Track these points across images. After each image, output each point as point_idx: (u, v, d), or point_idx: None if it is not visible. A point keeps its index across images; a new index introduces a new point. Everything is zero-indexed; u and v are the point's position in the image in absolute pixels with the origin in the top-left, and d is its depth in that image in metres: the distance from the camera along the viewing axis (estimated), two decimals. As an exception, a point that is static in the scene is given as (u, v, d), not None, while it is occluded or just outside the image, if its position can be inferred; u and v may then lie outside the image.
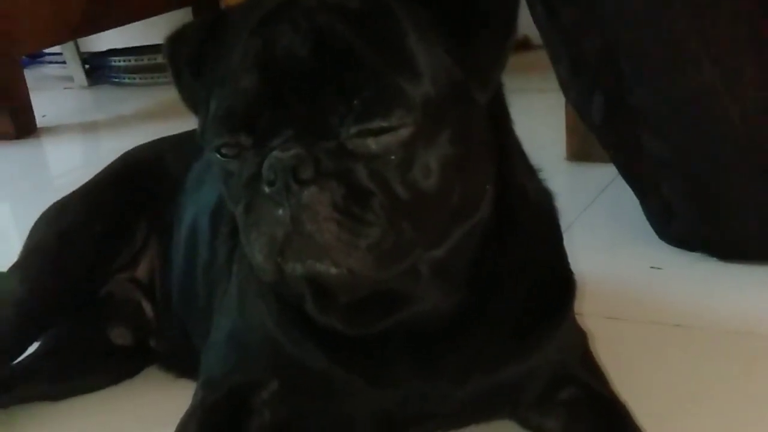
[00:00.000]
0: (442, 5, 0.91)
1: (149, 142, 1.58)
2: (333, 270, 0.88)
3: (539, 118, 2.26)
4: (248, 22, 0.93)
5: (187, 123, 1.10)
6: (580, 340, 1.17)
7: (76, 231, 1.41)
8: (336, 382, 1.04)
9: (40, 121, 3.17)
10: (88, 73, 3.82)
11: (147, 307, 1.46)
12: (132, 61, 3.72)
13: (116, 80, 3.79)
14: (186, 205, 1.40)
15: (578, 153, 2.18)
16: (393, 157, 0.87)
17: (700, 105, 1.54)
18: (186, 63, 1.01)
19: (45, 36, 3.31)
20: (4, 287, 1.39)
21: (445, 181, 0.90)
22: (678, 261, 1.66)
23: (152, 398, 1.38)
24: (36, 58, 4.14)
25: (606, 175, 2.00)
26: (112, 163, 1.54)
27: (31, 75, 3.53)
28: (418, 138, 0.87)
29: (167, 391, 1.38)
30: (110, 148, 1.87)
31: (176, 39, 1.04)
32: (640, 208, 1.77)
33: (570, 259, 1.13)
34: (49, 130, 3.15)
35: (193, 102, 1.01)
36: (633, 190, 1.76)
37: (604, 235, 1.80)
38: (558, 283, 1.10)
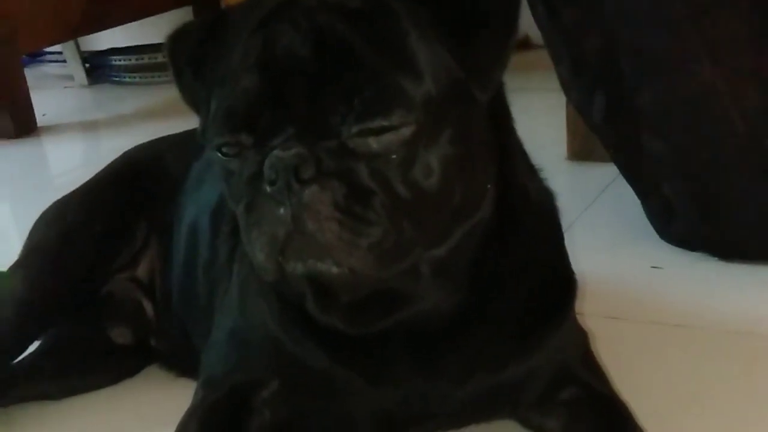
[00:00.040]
0: (443, 5, 0.91)
1: (149, 142, 1.58)
2: (334, 269, 0.88)
3: (540, 118, 2.26)
4: (249, 21, 0.93)
5: (188, 122, 1.10)
6: (581, 339, 1.17)
7: (77, 230, 1.41)
8: (337, 382, 1.04)
9: (40, 120, 3.17)
10: (89, 72, 3.82)
11: (147, 307, 1.46)
12: (132, 60, 3.72)
13: (117, 79, 3.79)
14: (186, 205, 1.40)
15: (579, 153, 2.18)
16: (394, 157, 0.87)
17: (700, 105, 1.55)
18: (187, 62, 1.01)
19: (45, 35, 3.31)
20: (4, 287, 1.39)
21: (446, 181, 0.90)
22: (679, 261, 1.66)
23: (153, 397, 1.38)
24: (36, 56, 4.13)
25: (607, 174, 2.00)
26: (112, 162, 1.54)
27: (31, 74, 3.53)
28: (419, 137, 0.87)
29: (168, 391, 1.38)
30: (110, 148, 1.87)
31: (177, 38, 1.04)
32: (640, 208, 1.77)
33: (571, 259, 1.13)
34: (50, 129, 3.14)
35: (194, 101, 1.01)
36: (634, 190, 1.76)
37: (605, 234, 1.80)
38: (559, 283, 1.10)
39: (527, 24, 1.52)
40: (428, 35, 0.90)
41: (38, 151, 2.99)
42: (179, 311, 1.39)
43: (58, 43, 3.62)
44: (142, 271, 1.46)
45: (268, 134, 0.88)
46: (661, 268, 1.65)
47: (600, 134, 1.79)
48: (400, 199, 0.88)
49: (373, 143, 0.86)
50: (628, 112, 1.64)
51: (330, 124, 0.87)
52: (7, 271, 1.40)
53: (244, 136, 0.89)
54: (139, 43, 3.72)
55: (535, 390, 1.10)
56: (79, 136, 3.16)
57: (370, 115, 0.86)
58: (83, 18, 3.34)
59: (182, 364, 1.39)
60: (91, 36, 3.74)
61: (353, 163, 0.86)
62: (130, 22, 3.59)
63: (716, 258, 1.64)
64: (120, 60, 3.76)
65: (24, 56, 3.50)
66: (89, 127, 3.27)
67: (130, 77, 3.74)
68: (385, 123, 0.86)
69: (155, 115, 3.11)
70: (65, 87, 3.82)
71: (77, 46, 3.78)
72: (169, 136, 1.58)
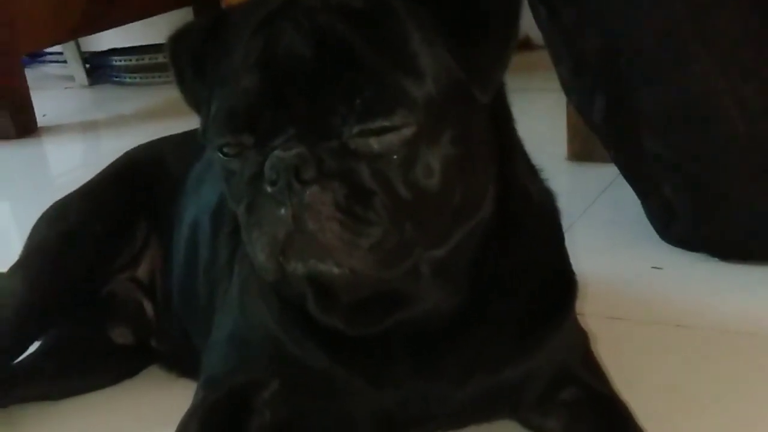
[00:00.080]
0: (444, 5, 0.91)
1: (150, 142, 1.58)
2: (335, 270, 0.88)
3: (540, 118, 2.27)
4: (250, 21, 0.93)
5: (188, 122, 1.10)
6: (581, 340, 1.17)
7: (77, 231, 1.41)
8: (337, 382, 1.04)
9: (40, 121, 3.17)
10: (89, 73, 3.82)
11: (148, 307, 1.46)
12: (133, 60, 3.72)
13: (117, 80, 3.79)
14: (187, 205, 1.40)
15: (579, 153, 2.18)
16: (395, 157, 0.87)
17: (700, 105, 1.55)
18: (188, 62, 1.01)
19: (45, 35, 3.31)
20: (4, 287, 1.38)
21: (447, 181, 0.90)
22: (679, 261, 1.66)
23: (153, 398, 1.38)
24: (37, 57, 4.14)
25: (607, 175, 2.00)
26: (112, 162, 1.54)
27: (31, 74, 3.53)
28: (420, 138, 0.87)
29: (168, 391, 1.38)
30: (111, 148, 1.87)
31: (178, 38, 1.04)
32: (641, 209, 1.77)
33: (571, 260, 1.13)
34: (50, 130, 3.14)
35: (195, 101, 1.01)
36: (634, 190, 1.76)
37: (605, 235, 1.80)
38: (559, 284, 1.10)
39: (528, 24, 1.52)
40: (429, 36, 0.90)
41: (38, 151, 3.00)
42: (180, 311, 1.39)
43: (59, 43, 3.62)
44: (142, 271, 1.46)
45: (269, 134, 0.88)
46: (661, 268, 1.65)
47: (600, 134, 1.79)
48: (401, 200, 0.88)
49: (374, 144, 0.86)
50: (628, 113, 1.64)
51: (331, 125, 0.87)
52: (8, 271, 1.40)
53: (245, 137, 0.89)
54: (140, 44, 3.72)
55: (535, 390, 1.10)
56: (79, 136, 3.16)
57: (371, 115, 0.86)
58: (83, 18, 3.34)
59: (182, 365, 1.39)
60: (92, 36, 3.74)
61: (354, 163, 0.86)
62: (131, 22, 3.59)
63: (716, 258, 1.64)
64: (120, 60, 3.76)
65: (24, 56, 3.51)
66: (89, 127, 3.27)
67: (130, 78, 3.74)
68: (386, 123, 0.86)
69: (156, 116, 3.11)
70: (66, 87, 3.82)
71: (78, 47, 3.78)
72: (169, 136, 1.58)
